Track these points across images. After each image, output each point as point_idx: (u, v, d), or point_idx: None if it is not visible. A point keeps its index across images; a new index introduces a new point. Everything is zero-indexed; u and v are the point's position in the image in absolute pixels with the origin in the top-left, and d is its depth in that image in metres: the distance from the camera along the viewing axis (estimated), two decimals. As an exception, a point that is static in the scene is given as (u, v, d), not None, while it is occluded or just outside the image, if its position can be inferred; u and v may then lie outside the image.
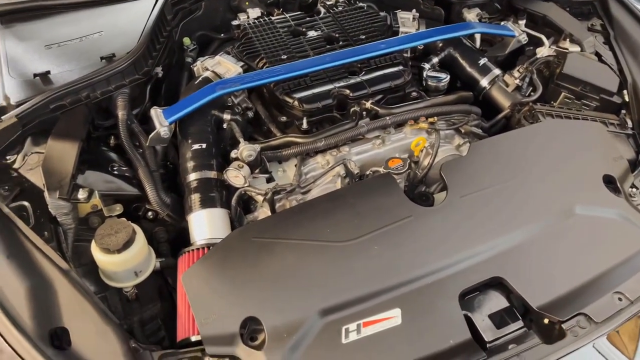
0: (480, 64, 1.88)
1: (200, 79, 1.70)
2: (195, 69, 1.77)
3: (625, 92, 1.82)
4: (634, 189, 1.62)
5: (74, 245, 1.44)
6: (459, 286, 1.30)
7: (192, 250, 1.42)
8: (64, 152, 1.46)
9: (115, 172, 1.55)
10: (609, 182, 1.56)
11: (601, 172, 1.55)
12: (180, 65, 1.93)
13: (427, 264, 1.32)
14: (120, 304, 1.47)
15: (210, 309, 1.25)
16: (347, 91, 1.71)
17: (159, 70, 1.77)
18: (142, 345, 1.26)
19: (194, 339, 1.30)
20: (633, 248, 1.40)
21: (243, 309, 1.25)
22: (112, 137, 1.67)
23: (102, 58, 1.64)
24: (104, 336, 1.21)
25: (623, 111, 1.77)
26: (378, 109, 1.67)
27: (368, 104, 1.67)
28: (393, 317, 1.25)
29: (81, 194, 1.42)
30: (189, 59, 1.92)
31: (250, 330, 1.24)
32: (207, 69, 1.73)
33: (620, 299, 1.29)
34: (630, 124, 1.74)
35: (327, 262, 1.32)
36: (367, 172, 1.58)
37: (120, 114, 1.61)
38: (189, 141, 1.59)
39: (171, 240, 1.62)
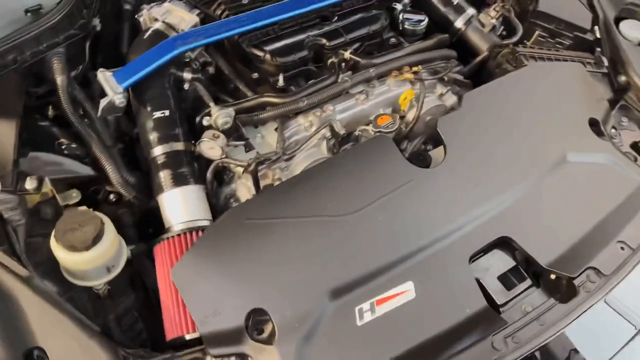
0: (455, 3, 1.75)
1: (150, 32, 1.45)
2: (142, 20, 1.50)
3: (596, 28, 1.78)
4: (614, 130, 1.61)
5: (27, 242, 1.22)
6: (467, 250, 1.24)
7: (171, 237, 1.24)
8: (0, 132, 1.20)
9: (65, 152, 1.31)
10: (592, 124, 1.54)
11: (587, 115, 1.52)
12: (116, 15, 1.64)
13: (434, 230, 1.24)
14: (90, 302, 1.28)
15: (209, 305, 1.11)
16: (323, 40, 1.53)
17: (96, 22, 1.49)
18: (129, 351, 1.11)
19: (188, 337, 1.16)
20: (625, 192, 1.40)
21: (246, 301, 1.11)
22: (51, 106, 1.40)
23: (27, 11, 1.34)
24: (88, 351, 1.04)
25: (598, 49, 1.73)
26: (358, 59, 1.51)
27: (347, 54, 1.51)
28: (406, 292, 1.17)
29: (29, 184, 1.18)
30: (128, 7, 1.63)
31: (255, 322, 1.12)
32: (157, 20, 1.47)
33: (622, 248, 1.29)
34: (605, 61, 1.71)
35: (331, 239, 1.20)
36: (357, 132, 1.44)
37: (59, 79, 1.34)
38: (148, 108, 1.36)
39: (136, 222, 1.43)
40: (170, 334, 1.19)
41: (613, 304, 1.41)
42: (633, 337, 1.41)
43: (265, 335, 1.11)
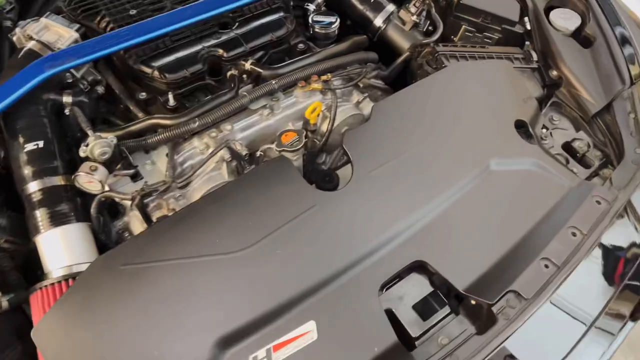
0: (372, 0, 1.62)
1: (23, 52, 1.29)
2: (15, 38, 1.35)
3: (526, 19, 1.66)
4: (544, 130, 1.51)
5: None
6: (377, 279, 1.12)
7: (46, 286, 1.11)
8: None
9: None
10: (520, 126, 1.43)
11: (513, 117, 1.41)
12: (-4, 32, 1.48)
13: (339, 260, 1.12)
14: (-36, 362, 1.15)
15: (78, 368, 0.98)
16: (220, 51, 1.39)
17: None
18: None
19: (64, 401, 1.03)
20: (552, 200, 1.30)
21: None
22: None
23: None
24: None
25: (527, 43, 1.62)
26: (260, 70, 1.37)
27: (247, 65, 1.37)
28: (307, 332, 1.05)
29: None
30: (8, 23, 1.47)
31: (136, 384, 0.99)
32: (32, 38, 1.32)
33: (547, 266, 1.18)
34: (535, 56, 1.59)
35: (220, 281, 1.07)
36: (258, 153, 1.31)
37: None
38: (20, 140, 1.21)
39: (20, 265, 1.28)
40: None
41: (559, 303, 1.31)
42: (583, 335, 1.31)
43: (147, 398, 0.99)
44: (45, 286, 1.11)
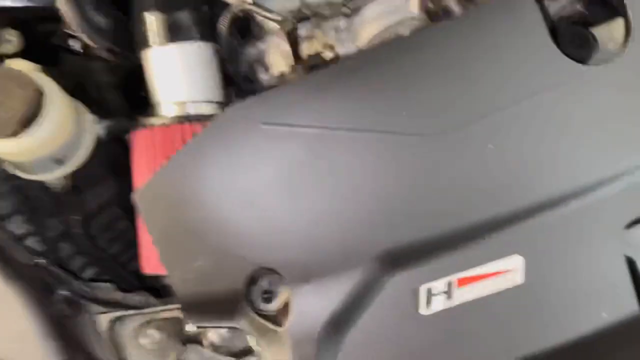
0: None
1: None
2: None
3: None
4: None
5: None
6: (626, 210, 0.73)
7: (154, 125, 0.81)
8: None
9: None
10: None
11: None
12: None
13: (573, 175, 0.73)
14: (49, 197, 0.92)
15: (192, 255, 0.71)
16: None
17: None
18: (81, 291, 0.75)
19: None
20: None
21: (249, 252, 0.71)
22: None
23: None
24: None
25: None
26: None
27: None
28: (509, 271, 0.72)
29: None
30: None
31: (260, 286, 0.72)
32: None
33: None
34: None
35: (399, 171, 0.72)
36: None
37: None
38: None
39: (122, 84, 0.99)
40: (147, 267, 0.83)
41: None
42: None
43: (273, 305, 0.72)
44: (152, 125, 0.81)
